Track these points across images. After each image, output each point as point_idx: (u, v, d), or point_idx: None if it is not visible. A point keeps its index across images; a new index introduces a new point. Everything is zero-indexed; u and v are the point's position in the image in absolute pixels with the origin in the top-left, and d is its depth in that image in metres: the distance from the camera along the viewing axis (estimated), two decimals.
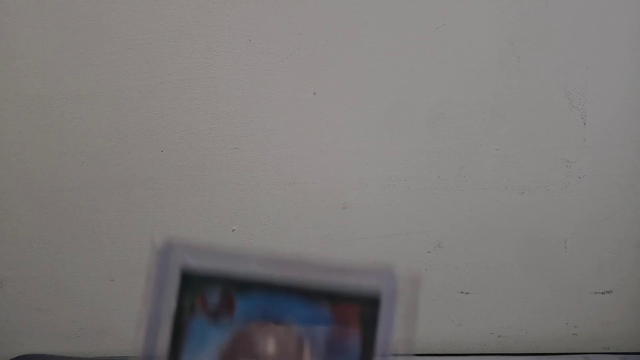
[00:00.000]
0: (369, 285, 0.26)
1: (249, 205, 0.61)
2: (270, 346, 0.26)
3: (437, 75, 0.56)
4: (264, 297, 0.26)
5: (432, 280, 0.53)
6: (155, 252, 0.26)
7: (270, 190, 0.61)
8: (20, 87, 0.51)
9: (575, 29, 0.52)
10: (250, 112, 0.58)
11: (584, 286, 0.56)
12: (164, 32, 0.51)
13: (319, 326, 0.26)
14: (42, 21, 0.49)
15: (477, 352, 0.55)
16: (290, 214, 0.60)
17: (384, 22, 0.55)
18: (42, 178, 0.53)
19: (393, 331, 0.26)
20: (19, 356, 0.64)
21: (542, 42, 0.52)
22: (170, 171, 0.54)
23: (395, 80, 0.57)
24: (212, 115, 0.57)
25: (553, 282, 0.56)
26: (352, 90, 0.57)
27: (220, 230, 0.60)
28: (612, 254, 0.56)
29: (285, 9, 0.54)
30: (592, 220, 0.55)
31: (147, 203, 0.55)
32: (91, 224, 0.57)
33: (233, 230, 0.58)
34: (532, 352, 0.56)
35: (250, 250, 0.27)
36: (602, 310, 0.56)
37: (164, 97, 0.53)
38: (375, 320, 0.26)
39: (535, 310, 0.56)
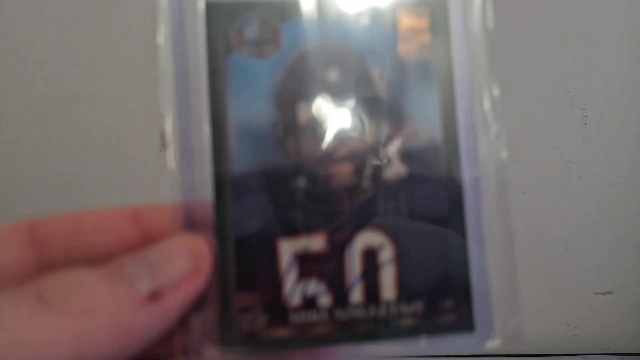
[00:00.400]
0: None
1: None
2: (332, 70, 0.22)
3: None
4: (314, 22, 0.22)
5: None
6: None
7: None
8: (19, 85, 0.49)
9: (576, 27, 0.53)
10: None
11: (584, 287, 0.55)
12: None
13: (384, 42, 0.22)
14: (41, 19, 0.47)
15: (479, 354, 0.54)
16: None
17: None
18: (40, 178, 0.51)
19: (468, 26, 0.22)
20: None
21: (542, 40, 0.52)
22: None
23: None
24: None
25: (553, 283, 0.55)
26: None
27: None
28: (613, 255, 0.55)
29: None
30: (593, 220, 0.55)
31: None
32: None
33: None
34: (532, 353, 0.54)
35: None
36: (602, 311, 0.55)
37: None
38: (447, 24, 0.22)
39: (535, 310, 0.55)
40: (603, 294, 0.54)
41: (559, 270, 0.54)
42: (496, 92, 0.23)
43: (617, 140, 0.54)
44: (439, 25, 0.23)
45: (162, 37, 0.22)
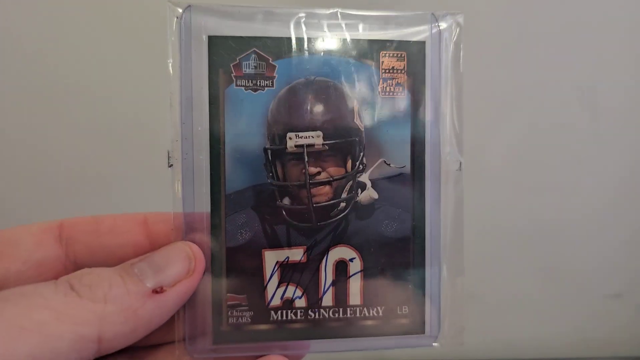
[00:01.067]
0: (413, 34, 0.25)
1: None
2: (318, 105, 0.25)
3: None
4: (305, 58, 0.25)
5: None
6: (174, 19, 0.24)
7: None
8: (14, 83, 0.49)
9: (586, 21, 0.50)
10: None
11: (592, 289, 0.53)
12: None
13: (366, 80, 0.25)
14: (37, 17, 0.47)
15: (484, 358, 0.53)
16: None
17: None
18: (37, 178, 0.50)
19: (441, 71, 0.25)
20: None
21: (551, 35, 0.50)
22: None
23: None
24: None
25: (561, 285, 0.53)
26: None
27: None
28: (622, 256, 0.54)
29: None
30: (603, 219, 0.53)
31: (145, 203, 0.50)
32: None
33: None
34: (540, 357, 0.53)
35: (284, 9, 0.24)
36: (611, 314, 0.54)
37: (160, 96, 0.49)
38: (423, 67, 0.25)
39: (543, 314, 0.53)
40: (612, 296, 0.53)
41: (568, 272, 0.53)
42: (460, 129, 0.26)
43: (628, 137, 0.51)
44: (415, 67, 0.26)
45: (171, 62, 0.24)
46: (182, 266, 0.23)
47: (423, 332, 0.26)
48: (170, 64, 0.24)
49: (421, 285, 0.26)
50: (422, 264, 0.26)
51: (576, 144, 0.52)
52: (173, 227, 0.25)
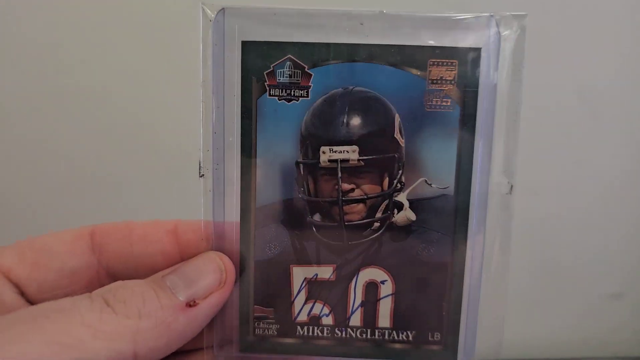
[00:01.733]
0: (467, 39, 0.22)
1: None
2: (355, 117, 0.23)
3: None
4: (344, 66, 0.23)
5: None
6: (207, 23, 0.23)
7: None
8: (11, 84, 0.48)
9: (586, 22, 0.49)
10: None
11: (592, 289, 0.54)
12: (160, 30, 0.48)
13: (410, 91, 0.23)
14: (35, 18, 0.47)
15: (483, 358, 0.53)
16: None
17: None
18: (35, 178, 0.50)
19: (497, 82, 0.23)
20: None
21: (551, 36, 0.48)
22: (166, 172, 0.50)
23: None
24: None
25: (561, 285, 0.53)
26: None
27: None
28: (622, 256, 0.53)
29: None
30: (602, 220, 0.52)
31: (144, 204, 0.51)
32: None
33: None
34: (540, 357, 0.54)
35: (323, 9, 0.22)
36: (611, 314, 0.54)
37: (159, 96, 0.49)
38: (476, 77, 0.22)
39: (543, 313, 0.54)
40: (612, 296, 0.53)
41: (567, 272, 0.53)
42: (514, 149, 0.23)
43: (628, 139, 0.51)
44: (466, 77, 0.23)
45: (203, 68, 0.23)
46: (213, 278, 0.23)
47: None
48: (202, 71, 0.23)
49: (456, 313, 0.24)
50: (459, 292, 0.24)
51: (576, 143, 0.51)
52: (203, 237, 0.24)
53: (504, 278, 0.24)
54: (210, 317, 0.23)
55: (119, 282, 0.22)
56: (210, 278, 0.23)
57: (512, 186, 0.23)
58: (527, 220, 0.51)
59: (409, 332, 0.25)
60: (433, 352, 0.25)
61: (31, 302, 0.24)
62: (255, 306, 0.25)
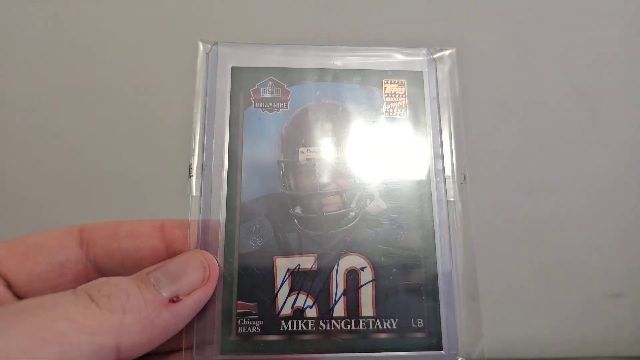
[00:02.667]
0: (412, 64, 0.28)
1: None
2: (327, 123, 0.27)
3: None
4: (316, 85, 0.28)
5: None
6: (203, 54, 0.27)
7: None
8: (10, 84, 0.51)
9: (585, 23, 0.51)
10: None
11: (592, 289, 0.52)
12: (159, 30, 0.51)
13: (371, 103, 0.28)
14: (34, 17, 0.50)
15: (483, 357, 0.49)
16: None
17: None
18: (34, 178, 0.51)
19: (438, 94, 0.28)
20: None
21: (550, 36, 0.51)
22: (166, 171, 0.50)
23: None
24: None
25: (560, 285, 0.52)
26: None
27: None
28: (622, 256, 0.52)
29: None
30: (602, 221, 0.52)
31: (142, 204, 0.51)
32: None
33: None
34: (539, 356, 0.52)
35: (299, 46, 0.28)
36: (611, 314, 0.52)
37: (158, 96, 0.51)
38: (421, 91, 0.28)
39: (543, 313, 0.52)
40: (612, 296, 0.52)
41: (567, 271, 0.52)
42: (460, 145, 0.28)
43: (627, 139, 0.51)
44: (414, 91, 0.29)
45: (197, 89, 0.28)
46: (197, 275, 0.24)
47: (441, 347, 0.25)
48: (196, 87, 0.28)
49: (434, 297, 0.26)
50: (434, 274, 0.26)
51: (575, 144, 0.51)
52: (189, 234, 0.25)
53: (471, 260, 0.26)
54: (193, 313, 0.23)
55: (104, 278, 0.22)
56: (193, 275, 0.24)
57: (465, 176, 0.27)
58: (526, 220, 0.51)
59: (392, 320, 0.25)
60: (417, 340, 0.25)
61: (18, 295, 0.23)
62: (239, 302, 0.25)
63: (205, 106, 0.27)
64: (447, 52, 0.29)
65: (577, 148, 0.52)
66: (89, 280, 0.24)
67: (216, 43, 0.28)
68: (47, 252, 0.24)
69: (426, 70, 0.29)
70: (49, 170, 0.52)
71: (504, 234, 0.53)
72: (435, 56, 0.29)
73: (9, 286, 0.23)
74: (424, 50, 0.29)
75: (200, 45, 0.28)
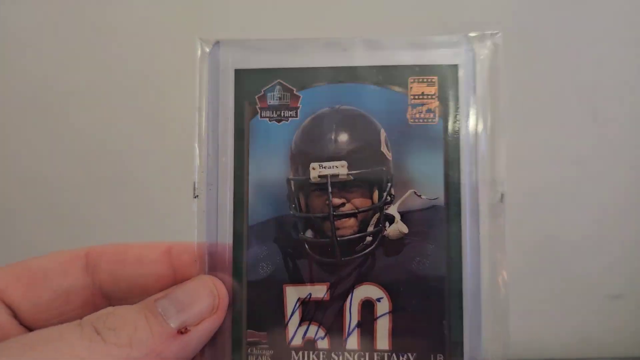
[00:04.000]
0: (444, 57, 0.24)
1: None
2: (342, 134, 0.24)
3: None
4: (329, 87, 0.24)
5: None
6: (203, 55, 0.24)
7: None
8: (11, 84, 0.50)
9: (586, 22, 0.49)
10: None
11: (593, 290, 0.52)
12: (158, 29, 0.49)
13: (394, 107, 0.24)
14: (35, 17, 0.49)
15: (482, 358, 0.51)
16: None
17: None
18: (34, 179, 0.51)
19: (477, 94, 0.23)
20: None
21: (551, 36, 0.49)
22: (165, 171, 0.50)
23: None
24: None
25: (561, 286, 0.52)
26: None
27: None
28: (623, 257, 0.52)
29: None
30: (603, 221, 0.52)
31: (142, 204, 0.51)
32: (84, 225, 0.52)
33: None
34: (539, 357, 0.52)
35: (307, 39, 0.24)
36: (612, 315, 0.52)
37: (158, 96, 0.50)
38: (456, 90, 0.24)
39: (543, 314, 0.52)
40: (613, 297, 0.52)
41: (568, 273, 0.52)
42: (500, 157, 0.24)
43: (628, 139, 0.50)
44: (447, 92, 0.24)
45: (198, 96, 0.25)
46: (206, 304, 0.23)
47: None
48: (197, 97, 0.25)
49: (459, 331, 0.23)
50: (459, 306, 0.23)
51: (578, 146, 0.50)
52: (196, 258, 0.24)
53: (505, 292, 0.23)
54: (202, 343, 0.23)
55: (110, 308, 0.22)
56: (202, 303, 0.23)
57: (502, 195, 0.23)
58: (527, 223, 0.50)
59: (409, 355, 0.23)
60: None
61: (24, 323, 0.24)
62: (248, 330, 0.24)
63: (207, 117, 0.25)
64: (488, 40, 0.24)
65: (579, 150, 0.51)
66: (95, 305, 0.23)
67: (217, 42, 0.25)
68: (53, 279, 0.24)
69: (463, 62, 0.24)
70: (57, 181, 0.52)
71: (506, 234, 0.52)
72: (474, 45, 0.24)
73: (15, 315, 0.23)
74: (462, 37, 0.24)
75: (200, 45, 0.25)
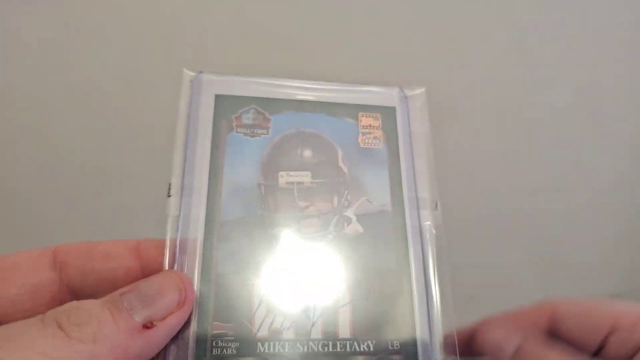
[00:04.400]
0: (385, 100, 0.30)
1: None
2: (307, 150, 0.28)
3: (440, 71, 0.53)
4: (295, 115, 0.29)
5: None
6: (188, 81, 0.28)
7: None
8: (8, 84, 0.50)
9: (586, 23, 0.52)
10: None
11: (591, 289, 0.52)
12: (157, 29, 0.51)
13: (348, 134, 0.29)
14: (32, 16, 0.49)
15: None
16: None
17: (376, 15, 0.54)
18: (31, 179, 0.50)
19: (410, 128, 0.30)
20: None
21: (550, 36, 0.51)
22: (160, 171, 0.49)
23: (399, 76, 0.55)
24: None
25: (559, 285, 0.52)
26: None
27: None
28: (621, 256, 0.53)
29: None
30: (603, 221, 0.52)
31: (141, 203, 0.50)
32: (82, 226, 0.51)
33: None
34: None
35: (281, 80, 0.29)
36: None
37: (155, 96, 0.51)
38: (394, 124, 0.30)
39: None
40: (611, 296, 0.51)
41: (566, 272, 0.51)
42: (433, 177, 0.29)
43: (628, 139, 0.51)
44: (388, 125, 0.30)
45: (180, 115, 0.28)
46: (172, 298, 0.23)
47: None
48: (180, 114, 0.28)
49: (410, 318, 0.26)
50: (410, 295, 0.26)
51: (575, 144, 0.51)
52: (165, 253, 0.25)
53: (446, 281, 0.27)
54: (168, 338, 0.23)
55: (74, 303, 0.21)
56: (168, 297, 0.23)
57: (437, 203, 0.29)
58: (526, 221, 0.51)
59: (369, 342, 0.25)
60: None
61: None
62: (215, 323, 0.24)
63: (187, 130, 0.28)
64: (417, 91, 0.32)
65: (578, 148, 0.51)
66: (63, 302, 0.22)
67: (201, 71, 0.30)
68: (20, 274, 0.23)
69: (399, 106, 0.31)
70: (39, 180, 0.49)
71: (502, 235, 0.53)
72: (407, 94, 0.31)
73: None
74: (397, 89, 0.32)
75: (185, 73, 0.29)
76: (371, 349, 0.25)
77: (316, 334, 0.25)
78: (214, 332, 0.24)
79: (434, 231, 0.28)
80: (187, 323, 0.24)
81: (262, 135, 0.29)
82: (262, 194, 0.27)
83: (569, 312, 0.26)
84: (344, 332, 0.25)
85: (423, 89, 0.32)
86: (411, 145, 0.30)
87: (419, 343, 0.25)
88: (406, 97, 0.31)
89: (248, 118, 0.29)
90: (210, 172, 0.27)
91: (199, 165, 0.27)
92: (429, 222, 0.28)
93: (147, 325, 0.21)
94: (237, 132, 0.28)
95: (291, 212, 0.27)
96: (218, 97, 0.29)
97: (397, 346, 0.25)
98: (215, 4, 0.54)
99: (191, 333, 0.24)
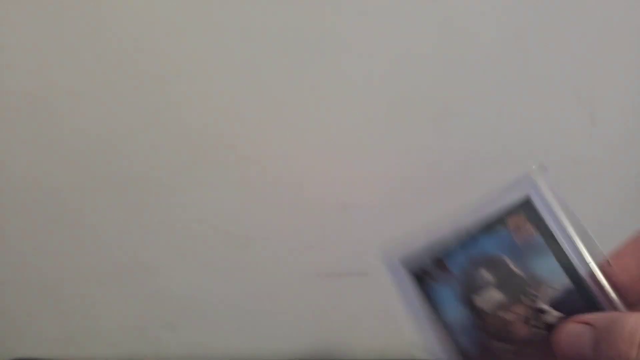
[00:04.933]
0: (518, 196, 0.36)
1: (243, 204, 0.59)
2: (485, 274, 0.35)
3: (440, 71, 0.54)
4: (460, 250, 0.37)
5: None
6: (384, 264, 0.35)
7: (267, 189, 0.59)
8: (8, 83, 0.51)
9: (585, 23, 0.51)
10: (246, 109, 0.56)
11: None
12: (157, 28, 0.52)
13: (507, 244, 0.35)
14: (32, 14, 0.49)
15: None
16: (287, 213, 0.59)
17: (384, 15, 0.54)
18: (30, 179, 0.52)
19: (553, 208, 0.34)
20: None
21: (549, 37, 0.51)
22: (164, 170, 0.53)
23: (398, 76, 0.55)
24: (207, 111, 0.55)
25: None
26: (352, 87, 0.55)
27: (215, 233, 0.58)
28: None
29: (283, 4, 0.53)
30: (601, 223, 0.50)
31: (140, 204, 0.54)
32: (82, 226, 0.55)
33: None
34: None
35: (436, 225, 0.35)
36: None
37: (157, 94, 0.52)
38: (538, 213, 0.35)
39: None
40: None
41: None
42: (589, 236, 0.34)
43: (627, 141, 0.50)
44: (532, 214, 0.36)
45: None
46: None
47: None
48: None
49: None
50: None
51: (575, 147, 0.51)
52: None
53: None
54: None
55: None
56: None
57: (608, 260, 0.34)
58: None
59: None
60: None
61: None
62: None
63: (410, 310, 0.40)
64: (537, 169, 0.37)
65: (577, 151, 0.50)
66: None
67: (387, 250, 0.41)
68: None
69: (531, 193, 0.37)
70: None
71: None
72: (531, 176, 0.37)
73: None
74: (523, 177, 0.37)
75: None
76: None
77: None
78: None
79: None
80: None
81: (447, 277, 0.39)
82: (473, 316, 0.37)
83: None
84: None
85: (539, 165, 0.36)
86: (560, 220, 0.35)
87: None
88: (535, 183, 0.37)
89: (433, 271, 0.39)
90: (430, 315, 0.39)
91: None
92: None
93: None
94: (431, 285, 0.39)
95: (498, 324, 0.36)
96: (403, 259, 0.40)
97: None
98: None
99: None
